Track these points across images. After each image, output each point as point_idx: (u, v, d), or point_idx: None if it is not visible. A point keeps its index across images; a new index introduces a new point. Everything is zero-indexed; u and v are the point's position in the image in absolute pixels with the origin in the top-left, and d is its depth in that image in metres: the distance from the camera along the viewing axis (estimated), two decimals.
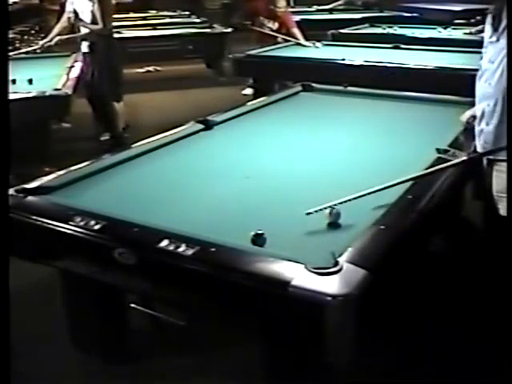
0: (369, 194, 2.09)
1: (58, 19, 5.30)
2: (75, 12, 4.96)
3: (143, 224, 1.89)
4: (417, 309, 2.63)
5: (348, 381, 1.91)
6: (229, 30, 8.20)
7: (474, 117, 2.57)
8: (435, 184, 2.35)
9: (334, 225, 1.96)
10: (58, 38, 5.14)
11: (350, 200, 2.04)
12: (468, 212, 3.21)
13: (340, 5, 10.99)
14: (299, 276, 1.55)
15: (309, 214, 1.98)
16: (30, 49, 5.63)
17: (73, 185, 2.34)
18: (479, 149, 2.51)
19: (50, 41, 5.16)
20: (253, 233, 1.80)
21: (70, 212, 1.99)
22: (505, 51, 2.35)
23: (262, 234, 1.81)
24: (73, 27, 5.11)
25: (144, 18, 9.84)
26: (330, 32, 7.00)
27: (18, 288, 2.38)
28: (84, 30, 5.02)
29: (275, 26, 6.54)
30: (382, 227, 1.86)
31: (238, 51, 6.07)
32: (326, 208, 1.99)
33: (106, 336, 2.41)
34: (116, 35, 5.77)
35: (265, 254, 1.69)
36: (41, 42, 5.20)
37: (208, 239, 1.76)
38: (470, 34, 6.30)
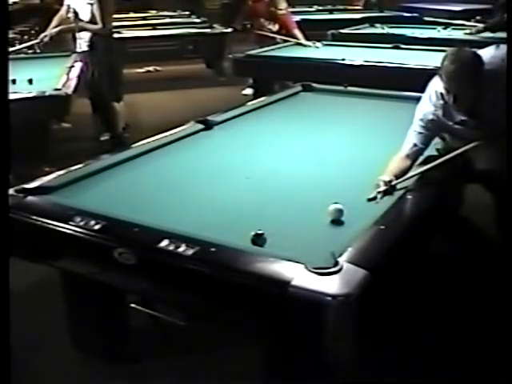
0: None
1: (54, 15, 5.28)
2: (75, 12, 4.95)
3: (143, 224, 1.89)
4: (417, 309, 2.63)
5: (347, 381, 1.91)
6: (229, 30, 8.20)
7: (389, 181, 2.29)
8: (435, 184, 2.35)
9: (336, 222, 1.97)
10: (57, 29, 5.12)
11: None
12: (468, 212, 3.21)
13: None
14: (299, 276, 1.55)
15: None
16: (29, 44, 5.60)
17: (73, 185, 2.34)
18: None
19: (48, 33, 5.12)
20: (253, 233, 1.81)
21: (70, 212, 1.99)
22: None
23: (261, 234, 1.81)
24: (69, 23, 5.09)
25: (144, 18, 9.83)
26: (329, 32, 7.00)
27: (17, 288, 2.38)
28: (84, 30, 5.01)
29: (275, 27, 6.53)
30: (382, 227, 1.86)
31: (237, 51, 6.07)
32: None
33: (105, 336, 2.41)
34: (116, 35, 5.76)
35: (265, 254, 1.70)
36: (40, 36, 5.18)
37: (208, 239, 1.76)
38: (471, 34, 6.30)
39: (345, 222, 1.97)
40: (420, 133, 2.53)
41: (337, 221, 1.98)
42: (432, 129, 2.55)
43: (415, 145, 2.51)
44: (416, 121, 2.57)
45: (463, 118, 2.50)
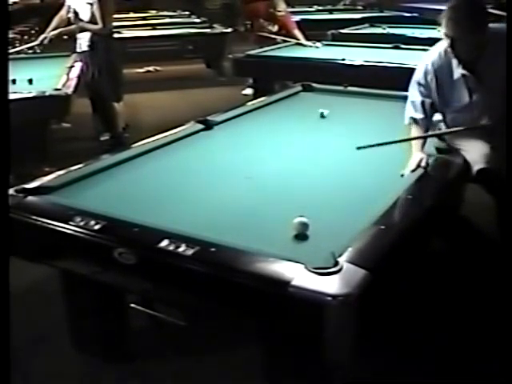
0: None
1: (54, 14, 5.28)
2: (75, 12, 4.95)
3: (143, 224, 1.89)
4: (417, 308, 2.63)
5: (348, 381, 1.91)
6: (229, 29, 8.21)
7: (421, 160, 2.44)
8: (435, 184, 2.35)
9: (301, 236, 1.88)
10: (57, 31, 5.11)
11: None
12: (468, 212, 3.21)
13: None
14: (299, 276, 1.55)
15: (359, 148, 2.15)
16: (29, 45, 5.60)
17: (73, 185, 2.34)
18: None
19: (48, 35, 5.12)
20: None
21: (70, 212, 1.99)
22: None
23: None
24: (70, 23, 5.08)
25: (144, 18, 9.84)
26: (329, 32, 7.00)
27: (17, 288, 2.38)
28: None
29: (275, 28, 6.55)
30: (382, 227, 1.86)
31: (238, 51, 6.07)
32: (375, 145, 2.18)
33: (105, 336, 2.41)
34: (116, 35, 5.76)
35: (265, 254, 1.69)
36: (40, 38, 5.17)
37: (208, 239, 1.76)
38: None
39: (344, 223, 1.97)
40: (413, 102, 2.57)
41: (302, 234, 1.90)
42: (427, 88, 2.57)
43: (413, 119, 2.55)
44: (411, 87, 2.62)
45: (463, 72, 2.49)
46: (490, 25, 2.49)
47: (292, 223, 1.88)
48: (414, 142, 2.52)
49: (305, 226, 1.88)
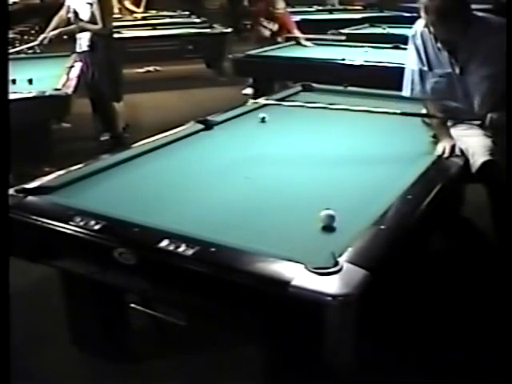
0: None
1: (54, 14, 5.27)
2: (75, 12, 4.95)
3: (143, 224, 1.89)
4: (417, 309, 2.63)
5: (348, 381, 1.91)
6: (229, 29, 8.21)
7: (453, 146, 2.62)
8: (435, 184, 2.35)
9: (328, 228, 1.92)
10: (57, 31, 5.11)
11: None
12: (468, 212, 3.21)
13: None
14: (299, 276, 1.55)
15: None
16: (29, 45, 5.60)
17: (73, 185, 2.34)
18: None
19: (48, 35, 5.11)
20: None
21: (70, 212, 1.99)
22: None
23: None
24: (70, 23, 5.09)
25: (144, 18, 9.85)
26: (330, 32, 7.01)
27: (17, 288, 2.38)
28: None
29: (275, 27, 6.56)
30: (382, 227, 1.86)
31: (238, 51, 6.08)
32: None
33: (106, 336, 2.41)
34: (116, 35, 5.76)
35: (265, 254, 1.69)
36: (40, 38, 5.17)
37: (208, 239, 1.76)
38: None
39: (343, 223, 1.96)
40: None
41: (329, 227, 1.93)
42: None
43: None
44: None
45: (444, 52, 2.70)
46: (483, 14, 2.68)
47: (319, 216, 1.92)
48: (438, 129, 2.75)
49: (332, 218, 1.92)
